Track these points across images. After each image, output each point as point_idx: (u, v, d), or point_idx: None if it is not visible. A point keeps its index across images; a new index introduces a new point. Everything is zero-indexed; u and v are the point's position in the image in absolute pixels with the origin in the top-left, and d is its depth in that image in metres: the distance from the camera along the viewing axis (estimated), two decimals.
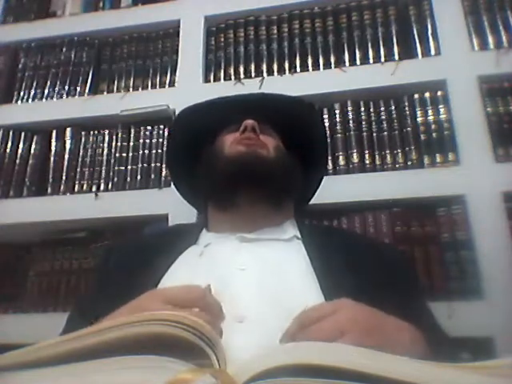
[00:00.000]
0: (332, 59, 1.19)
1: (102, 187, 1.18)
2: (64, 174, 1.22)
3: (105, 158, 1.21)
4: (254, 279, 0.56)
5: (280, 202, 0.72)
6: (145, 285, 0.58)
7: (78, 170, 1.22)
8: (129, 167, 1.19)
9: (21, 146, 1.27)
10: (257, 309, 0.51)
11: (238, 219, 0.69)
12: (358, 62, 1.17)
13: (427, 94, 1.09)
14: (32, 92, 1.33)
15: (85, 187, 1.19)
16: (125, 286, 0.59)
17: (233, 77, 1.22)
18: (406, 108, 1.10)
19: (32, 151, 1.26)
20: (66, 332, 0.65)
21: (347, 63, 1.18)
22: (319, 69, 1.19)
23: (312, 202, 0.90)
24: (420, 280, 0.86)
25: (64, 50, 1.36)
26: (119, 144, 1.22)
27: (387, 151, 1.08)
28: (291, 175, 0.73)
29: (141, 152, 1.19)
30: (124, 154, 1.20)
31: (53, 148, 1.26)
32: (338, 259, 0.60)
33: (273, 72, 1.21)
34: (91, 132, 1.25)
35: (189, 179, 0.82)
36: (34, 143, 1.27)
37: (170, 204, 1.07)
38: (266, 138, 0.74)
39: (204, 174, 0.75)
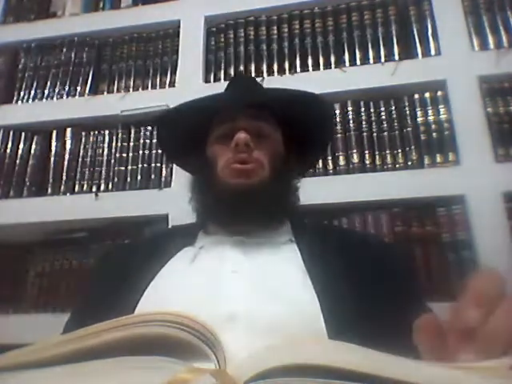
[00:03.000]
0: (332, 59, 1.19)
1: (102, 187, 1.18)
2: (64, 174, 1.22)
3: (105, 158, 1.22)
4: (246, 281, 0.57)
5: (276, 218, 0.73)
6: (136, 286, 0.58)
7: (78, 170, 1.22)
8: (129, 167, 1.19)
9: (21, 146, 1.27)
10: (248, 308, 0.52)
11: (234, 228, 0.69)
12: (358, 62, 1.17)
13: (427, 94, 1.09)
14: (32, 92, 1.33)
15: (85, 187, 1.19)
16: (117, 288, 0.60)
17: None
18: (406, 108, 1.10)
19: (32, 151, 1.26)
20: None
21: (347, 63, 1.17)
22: (319, 69, 1.18)
23: (312, 202, 0.90)
24: (419, 281, 0.85)
25: (64, 50, 1.36)
26: (119, 144, 1.22)
27: (387, 151, 1.08)
28: (288, 193, 0.74)
29: (141, 152, 1.20)
30: (124, 154, 1.20)
31: (53, 148, 1.26)
32: (332, 260, 0.60)
33: (273, 72, 1.21)
34: (91, 132, 1.25)
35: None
36: (34, 143, 1.27)
37: (169, 204, 1.07)
38: (260, 152, 0.70)
39: (198, 190, 0.76)
